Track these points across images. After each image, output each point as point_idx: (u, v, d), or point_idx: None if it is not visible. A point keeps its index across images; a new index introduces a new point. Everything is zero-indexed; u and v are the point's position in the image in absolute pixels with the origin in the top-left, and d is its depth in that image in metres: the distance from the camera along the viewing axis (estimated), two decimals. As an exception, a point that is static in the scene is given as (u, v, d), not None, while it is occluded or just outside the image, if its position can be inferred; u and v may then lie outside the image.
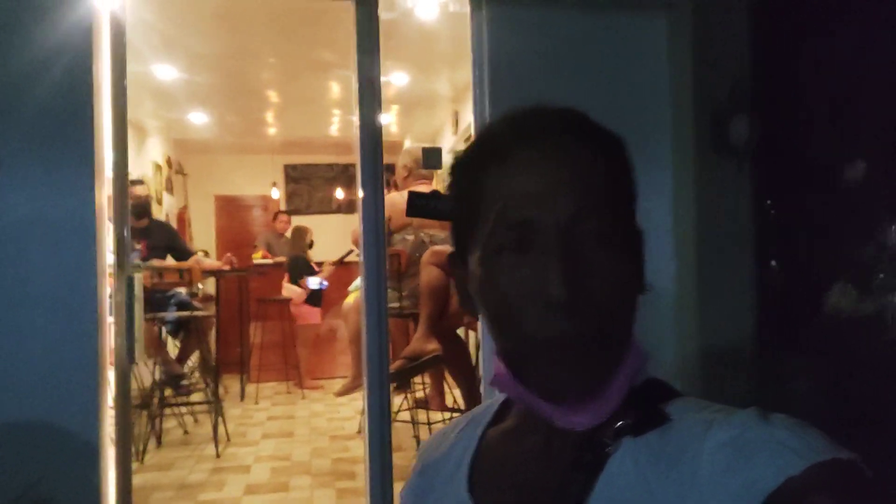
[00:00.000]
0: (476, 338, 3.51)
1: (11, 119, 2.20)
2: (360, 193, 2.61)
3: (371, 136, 2.58)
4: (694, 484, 0.53)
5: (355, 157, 2.65)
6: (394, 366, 3.23)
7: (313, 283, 6.08)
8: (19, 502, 2.03)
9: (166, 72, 4.82)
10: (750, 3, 2.39)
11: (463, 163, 0.66)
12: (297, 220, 7.18)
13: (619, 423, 0.60)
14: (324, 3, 3.21)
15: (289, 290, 6.08)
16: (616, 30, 2.64)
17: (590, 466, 0.59)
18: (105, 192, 2.39)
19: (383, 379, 2.54)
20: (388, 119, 6.45)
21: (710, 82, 2.52)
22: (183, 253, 4.48)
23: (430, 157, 2.91)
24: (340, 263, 5.91)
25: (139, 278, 2.49)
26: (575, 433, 0.61)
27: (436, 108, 6.03)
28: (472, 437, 0.71)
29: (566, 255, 0.57)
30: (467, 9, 2.68)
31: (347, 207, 7.87)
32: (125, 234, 2.46)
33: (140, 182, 4.51)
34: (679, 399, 0.63)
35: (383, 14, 2.75)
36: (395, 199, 3.24)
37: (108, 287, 2.41)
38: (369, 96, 2.59)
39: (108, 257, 2.44)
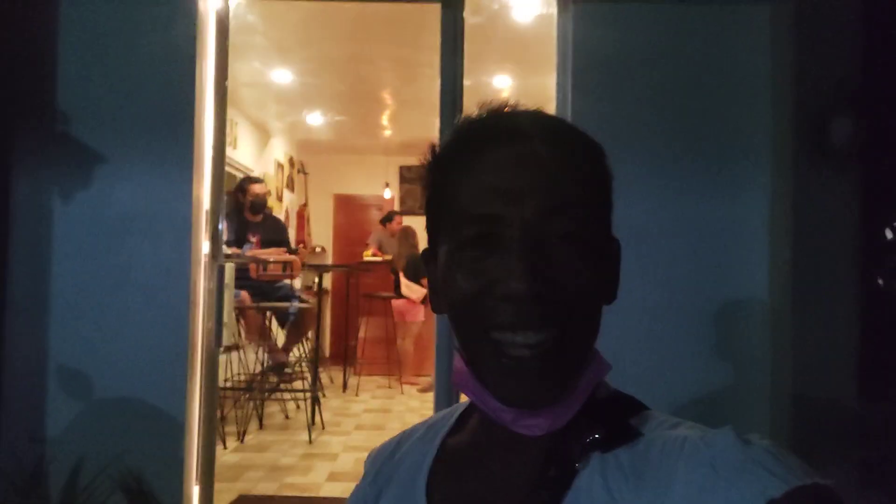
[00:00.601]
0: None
1: (120, 118, 2.42)
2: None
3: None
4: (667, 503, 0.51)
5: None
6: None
7: None
8: (108, 469, 2.23)
9: (284, 76, 5.11)
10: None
11: (437, 159, 0.66)
12: (410, 221, 7.35)
13: (588, 438, 0.58)
14: (419, 6, 3.27)
15: (409, 288, 6.21)
16: (713, 21, 2.52)
17: (557, 482, 0.57)
18: (204, 187, 2.58)
19: (452, 381, 2.56)
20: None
21: (815, 78, 2.34)
22: (285, 247, 4.72)
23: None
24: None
25: (230, 267, 2.66)
26: (540, 446, 0.59)
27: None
28: (430, 445, 0.69)
29: (530, 251, 0.56)
30: (555, 9, 2.65)
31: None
32: (219, 227, 2.63)
33: (259, 180, 4.80)
34: (648, 413, 0.61)
35: (470, 18, 2.77)
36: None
37: (201, 276, 2.60)
38: (451, 98, 2.62)
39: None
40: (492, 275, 0.57)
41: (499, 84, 5.10)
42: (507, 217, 0.57)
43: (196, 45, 2.49)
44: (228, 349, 4.15)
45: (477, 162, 0.61)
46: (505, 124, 0.62)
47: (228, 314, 2.61)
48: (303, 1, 3.09)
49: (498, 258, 0.57)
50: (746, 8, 2.50)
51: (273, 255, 4.35)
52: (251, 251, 4.43)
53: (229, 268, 2.66)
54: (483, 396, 0.60)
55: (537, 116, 0.64)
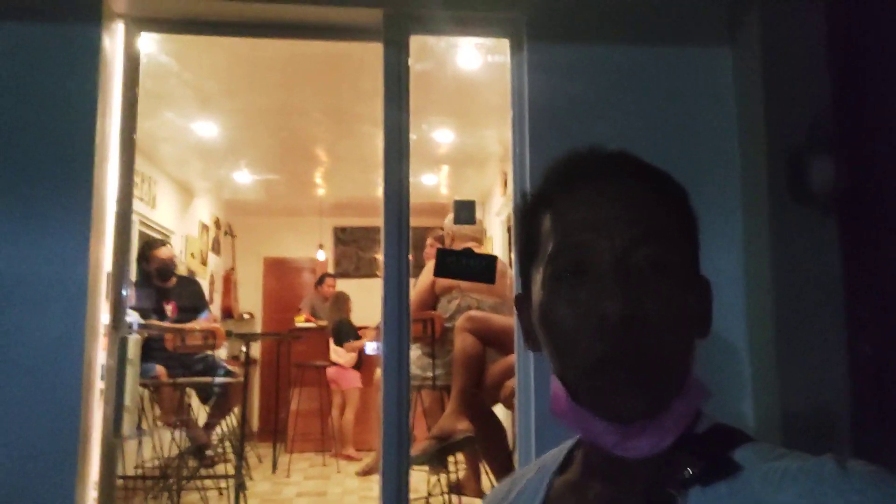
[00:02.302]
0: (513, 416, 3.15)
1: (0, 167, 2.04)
2: (382, 255, 2.34)
3: (397, 192, 2.32)
4: None
5: (379, 217, 2.38)
6: (420, 446, 2.89)
7: (370, 347, 5.78)
8: None
9: (209, 129, 4.78)
10: (828, 31, 2.07)
11: (526, 202, 0.71)
12: (345, 284, 7.01)
13: (686, 473, 0.58)
14: (356, 48, 2.98)
15: (337, 353, 5.83)
16: (675, 66, 2.37)
17: None
18: (105, 247, 2.21)
19: (402, 461, 2.21)
20: (437, 180, 6.27)
21: (785, 122, 2.21)
22: (204, 312, 4.29)
23: (462, 210, 2.65)
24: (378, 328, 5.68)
25: (134, 340, 2.27)
26: (641, 480, 0.61)
27: (485, 169, 5.82)
28: (539, 485, 0.71)
29: (621, 278, 0.60)
30: (507, 57, 2.45)
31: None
32: (122, 293, 2.25)
33: (163, 243, 4.37)
34: (750, 445, 0.61)
35: (417, 65, 2.54)
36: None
37: (100, 350, 2.20)
38: (396, 149, 2.34)
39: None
40: (587, 301, 0.60)
41: (440, 139, 4.90)
42: (599, 247, 0.62)
43: (98, 88, 2.15)
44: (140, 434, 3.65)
45: (569, 199, 0.66)
46: (594, 164, 0.68)
47: (131, 396, 2.20)
48: (223, 37, 2.78)
49: (591, 285, 0.61)
50: (708, 51, 2.37)
51: (198, 325, 3.92)
52: (168, 321, 3.99)
53: (133, 341, 2.26)
54: (584, 421, 0.62)
55: (623, 156, 0.69)
